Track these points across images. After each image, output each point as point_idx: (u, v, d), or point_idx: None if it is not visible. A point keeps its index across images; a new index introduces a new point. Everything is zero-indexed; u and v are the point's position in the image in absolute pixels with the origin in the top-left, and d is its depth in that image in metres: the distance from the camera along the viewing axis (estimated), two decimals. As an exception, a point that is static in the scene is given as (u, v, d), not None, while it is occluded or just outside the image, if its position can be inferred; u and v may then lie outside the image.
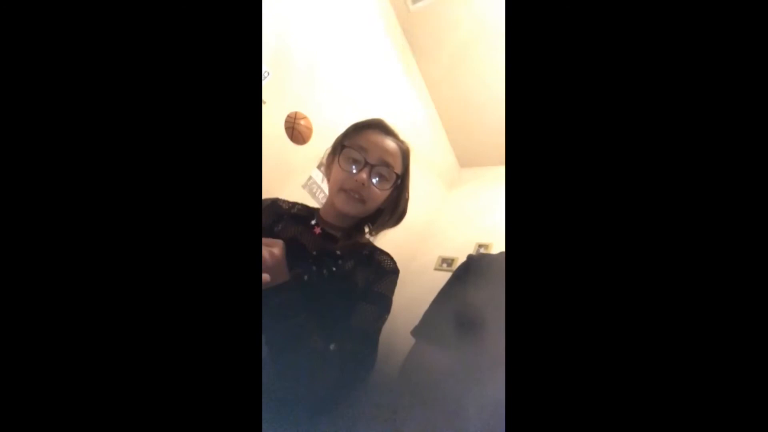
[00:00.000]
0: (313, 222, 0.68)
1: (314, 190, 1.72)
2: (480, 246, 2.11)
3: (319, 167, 1.70)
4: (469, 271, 1.58)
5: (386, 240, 1.02)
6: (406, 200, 0.72)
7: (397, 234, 0.76)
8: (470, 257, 1.75)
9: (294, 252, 0.59)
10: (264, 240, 0.48)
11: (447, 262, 2.18)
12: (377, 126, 0.69)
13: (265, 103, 1.40)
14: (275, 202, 0.72)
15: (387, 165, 0.65)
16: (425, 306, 1.58)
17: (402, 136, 0.70)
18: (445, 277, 1.74)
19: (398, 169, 0.67)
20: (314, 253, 0.61)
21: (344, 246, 0.64)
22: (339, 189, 0.65)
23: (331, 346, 0.53)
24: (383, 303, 0.62)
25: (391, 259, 0.68)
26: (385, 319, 0.62)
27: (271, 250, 0.48)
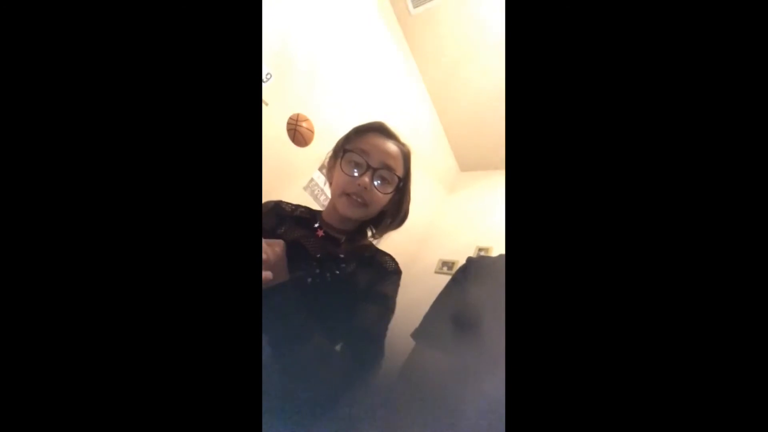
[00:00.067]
0: (315, 225, 0.68)
1: (316, 192, 1.72)
2: (480, 249, 2.11)
3: (320, 169, 1.70)
4: (468, 274, 1.58)
5: (387, 243, 1.02)
6: (408, 203, 0.72)
7: (397, 237, 0.77)
8: (469, 260, 1.75)
9: (297, 254, 0.60)
10: (265, 240, 0.48)
11: (447, 265, 2.18)
12: (378, 129, 0.69)
13: (267, 104, 1.41)
14: (278, 205, 0.72)
15: (389, 168, 0.65)
16: (426, 308, 1.58)
17: (403, 139, 0.71)
18: (445, 280, 1.74)
19: (400, 172, 0.67)
20: (318, 256, 0.61)
21: (347, 249, 0.65)
22: (341, 193, 0.65)
23: (337, 347, 0.53)
24: (387, 303, 0.62)
25: (394, 260, 0.68)
26: (390, 319, 0.62)
27: (273, 248, 0.49)
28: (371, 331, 0.58)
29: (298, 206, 0.74)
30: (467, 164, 2.64)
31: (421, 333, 1.45)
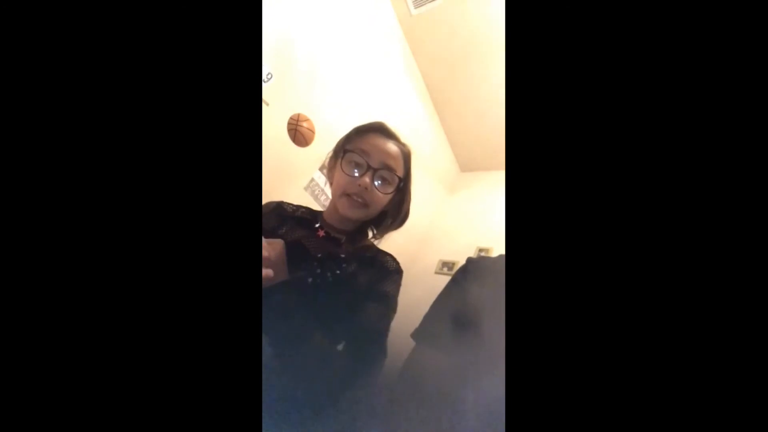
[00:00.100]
0: (317, 225, 0.69)
1: (316, 192, 1.72)
2: (480, 250, 2.12)
3: (321, 169, 1.70)
4: (468, 274, 1.58)
5: (388, 243, 1.02)
6: (409, 203, 0.72)
7: (398, 237, 0.77)
8: (469, 260, 1.75)
9: (298, 254, 0.60)
10: (265, 239, 0.48)
11: (448, 265, 2.18)
12: (379, 129, 0.69)
13: (267, 104, 1.41)
14: (280, 206, 0.72)
15: (389, 168, 0.65)
16: (426, 309, 1.58)
17: (403, 139, 0.71)
18: (445, 280, 1.74)
19: (400, 172, 0.67)
20: (319, 256, 0.61)
21: (348, 249, 0.65)
22: (342, 193, 0.65)
23: (339, 347, 0.53)
24: (388, 302, 0.62)
25: (395, 260, 0.68)
26: (392, 318, 0.62)
27: (273, 247, 0.49)
28: (373, 330, 0.58)
29: (299, 207, 0.74)
30: (467, 165, 2.64)
31: (420, 333, 1.45)
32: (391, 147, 0.67)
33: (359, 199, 0.64)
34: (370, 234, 0.73)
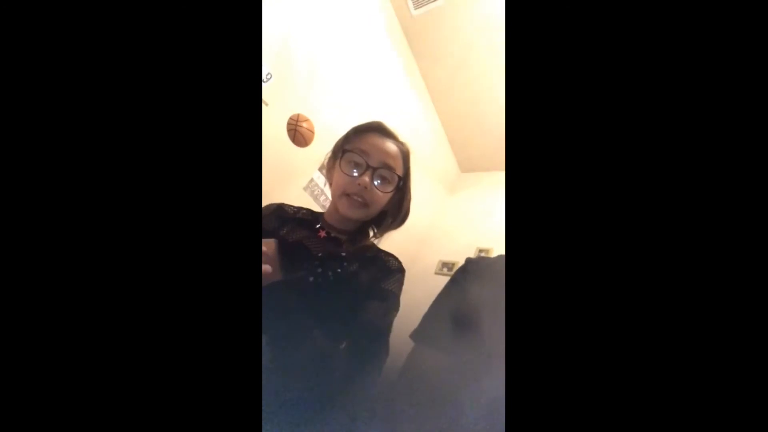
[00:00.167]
0: (318, 226, 0.69)
1: (316, 193, 1.72)
2: (480, 250, 2.12)
3: (320, 170, 1.70)
4: (467, 274, 1.58)
5: (387, 243, 1.02)
6: (409, 202, 0.72)
7: (398, 238, 0.77)
8: (468, 260, 1.75)
9: (299, 254, 0.60)
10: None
11: (447, 266, 2.18)
12: (377, 129, 0.69)
13: (267, 105, 1.41)
14: (280, 207, 0.72)
15: (388, 167, 0.65)
16: (426, 309, 1.58)
17: (402, 138, 0.71)
18: (445, 281, 1.74)
19: (400, 171, 0.67)
20: (320, 255, 0.61)
21: (349, 249, 0.65)
22: (342, 193, 0.65)
23: (342, 345, 0.53)
24: (391, 299, 0.62)
25: (396, 259, 0.68)
26: (394, 315, 0.62)
27: (267, 245, 0.49)
28: (376, 327, 0.58)
29: (300, 208, 0.74)
30: (468, 165, 2.64)
31: (419, 333, 1.45)
32: (390, 146, 0.67)
33: (359, 199, 0.64)
34: (371, 234, 0.73)
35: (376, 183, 0.65)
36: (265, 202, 0.73)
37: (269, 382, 0.39)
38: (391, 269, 0.66)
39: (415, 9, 1.84)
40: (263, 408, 0.34)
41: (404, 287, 0.67)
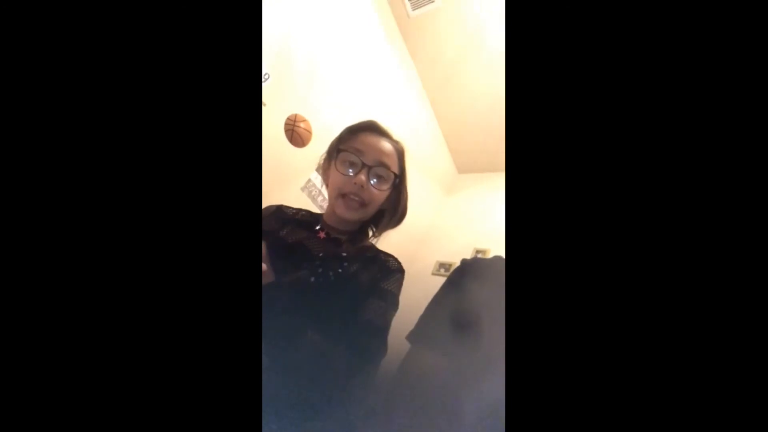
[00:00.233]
0: (317, 227, 0.69)
1: (313, 193, 1.72)
2: (478, 251, 2.12)
3: (317, 170, 1.70)
4: (463, 275, 1.58)
5: (385, 244, 1.02)
6: (406, 200, 0.73)
7: (395, 238, 0.77)
8: (464, 261, 1.75)
9: (300, 254, 0.60)
10: None
11: (445, 267, 2.18)
12: (371, 128, 0.69)
13: (265, 105, 1.41)
14: (280, 209, 0.72)
15: (384, 165, 0.66)
16: (422, 310, 1.58)
17: (395, 137, 0.71)
18: (442, 281, 1.74)
19: (395, 169, 0.68)
20: (320, 255, 0.61)
21: (349, 250, 0.65)
22: (338, 194, 0.65)
23: (341, 346, 0.53)
24: (390, 299, 0.62)
25: (396, 259, 0.68)
26: (393, 314, 0.62)
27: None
28: (374, 324, 0.58)
29: (299, 210, 0.74)
30: (465, 166, 2.65)
31: (415, 335, 1.45)
32: (385, 144, 0.67)
33: (356, 198, 0.64)
34: (370, 233, 0.73)
35: (372, 181, 0.65)
36: (263, 203, 0.72)
37: (269, 382, 0.39)
38: (390, 269, 0.66)
39: (413, 10, 1.84)
40: (263, 408, 0.34)
41: (402, 287, 0.67)
